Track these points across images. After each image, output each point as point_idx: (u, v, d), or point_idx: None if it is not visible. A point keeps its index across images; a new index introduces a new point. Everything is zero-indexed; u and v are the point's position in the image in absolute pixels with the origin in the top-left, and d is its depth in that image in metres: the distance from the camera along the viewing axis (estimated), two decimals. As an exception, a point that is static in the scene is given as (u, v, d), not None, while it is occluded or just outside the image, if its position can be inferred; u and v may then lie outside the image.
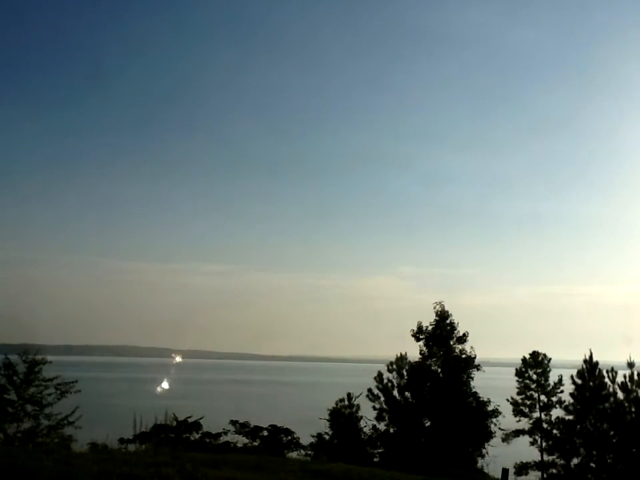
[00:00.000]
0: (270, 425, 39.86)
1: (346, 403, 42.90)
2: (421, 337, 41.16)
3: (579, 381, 43.01)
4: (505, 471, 21.68)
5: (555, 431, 43.59)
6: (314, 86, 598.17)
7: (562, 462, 42.40)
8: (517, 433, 43.83)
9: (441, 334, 40.72)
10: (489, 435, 39.90)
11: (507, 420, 42.32)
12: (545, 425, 43.97)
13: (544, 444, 43.44)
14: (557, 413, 44.16)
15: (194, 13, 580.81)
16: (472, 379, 40.70)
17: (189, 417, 36.58)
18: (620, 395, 41.71)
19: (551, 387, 44.70)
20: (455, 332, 40.83)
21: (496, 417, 40.10)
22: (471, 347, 40.74)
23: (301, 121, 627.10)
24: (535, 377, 45.10)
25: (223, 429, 37.96)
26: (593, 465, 41.23)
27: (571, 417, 43.08)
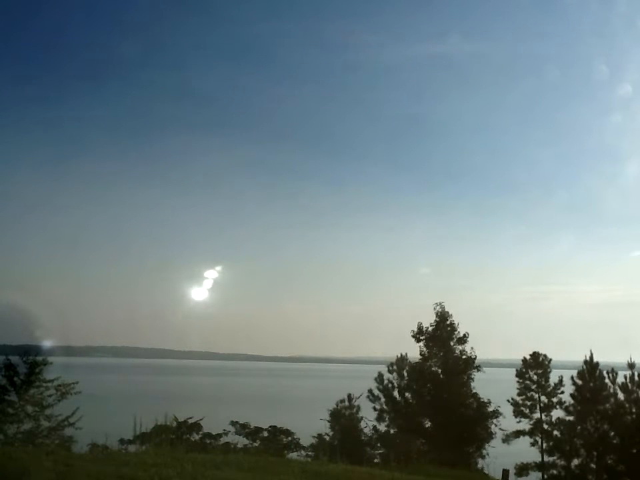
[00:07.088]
0: (270, 426, 39.92)
1: (346, 403, 42.90)
2: (421, 337, 41.17)
3: (579, 382, 43.00)
4: (506, 472, 21.60)
5: (555, 432, 43.58)
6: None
7: (562, 463, 42.41)
8: (518, 433, 43.76)
9: (441, 335, 40.73)
10: (489, 436, 39.90)
11: (508, 421, 42.27)
12: (545, 426, 43.90)
13: (544, 445, 43.39)
14: (557, 413, 44.11)
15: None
16: (472, 379, 40.71)
17: (190, 418, 36.61)
18: (620, 395, 41.75)
19: (551, 388, 44.61)
20: (455, 333, 40.86)
21: (496, 417, 40.11)
22: (471, 348, 40.82)
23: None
24: (535, 377, 45.07)
25: (224, 430, 38.01)
26: (593, 465, 41.25)
27: (571, 418, 43.07)
